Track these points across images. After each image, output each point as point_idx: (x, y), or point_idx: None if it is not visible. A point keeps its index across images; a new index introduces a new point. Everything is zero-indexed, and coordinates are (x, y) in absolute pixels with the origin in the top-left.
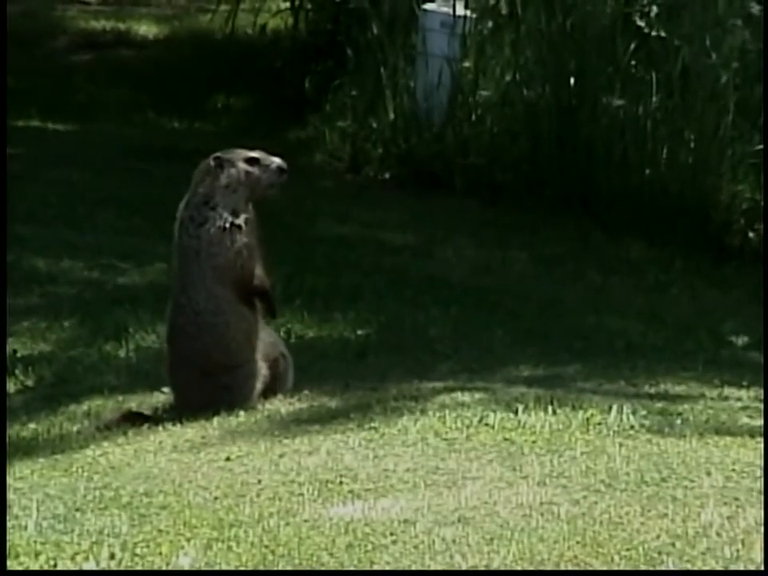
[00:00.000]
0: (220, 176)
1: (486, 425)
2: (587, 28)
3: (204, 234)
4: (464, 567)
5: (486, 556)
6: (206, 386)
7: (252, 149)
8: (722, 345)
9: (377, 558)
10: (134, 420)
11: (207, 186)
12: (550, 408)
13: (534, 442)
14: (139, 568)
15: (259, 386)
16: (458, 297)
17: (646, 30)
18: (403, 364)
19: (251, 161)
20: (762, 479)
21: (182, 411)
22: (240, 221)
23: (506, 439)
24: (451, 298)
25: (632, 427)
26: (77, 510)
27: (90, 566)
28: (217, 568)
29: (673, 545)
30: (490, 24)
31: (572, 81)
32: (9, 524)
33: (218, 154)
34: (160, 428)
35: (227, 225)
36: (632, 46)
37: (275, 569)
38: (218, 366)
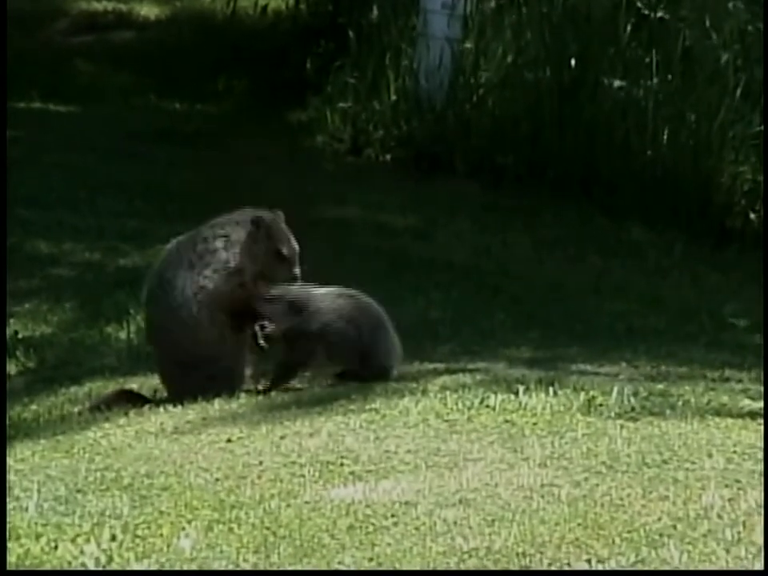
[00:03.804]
0: (254, 238)
1: (488, 406)
2: (588, 10)
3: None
4: (465, 549)
5: (488, 538)
6: (191, 376)
7: (275, 205)
8: (723, 327)
9: (378, 539)
10: (129, 400)
11: (235, 236)
12: (551, 390)
13: (535, 423)
14: (140, 549)
15: (248, 371)
16: (459, 280)
17: (647, 12)
18: (404, 346)
19: (279, 254)
20: (763, 461)
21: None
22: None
23: (507, 421)
24: (452, 280)
25: (633, 409)
26: (78, 491)
27: (91, 547)
28: (218, 549)
29: (674, 527)
30: (492, 5)
31: (573, 63)
32: (10, 506)
33: (263, 217)
34: (161, 409)
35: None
36: (632, 28)
37: (276, 550)
38: (201, 358)
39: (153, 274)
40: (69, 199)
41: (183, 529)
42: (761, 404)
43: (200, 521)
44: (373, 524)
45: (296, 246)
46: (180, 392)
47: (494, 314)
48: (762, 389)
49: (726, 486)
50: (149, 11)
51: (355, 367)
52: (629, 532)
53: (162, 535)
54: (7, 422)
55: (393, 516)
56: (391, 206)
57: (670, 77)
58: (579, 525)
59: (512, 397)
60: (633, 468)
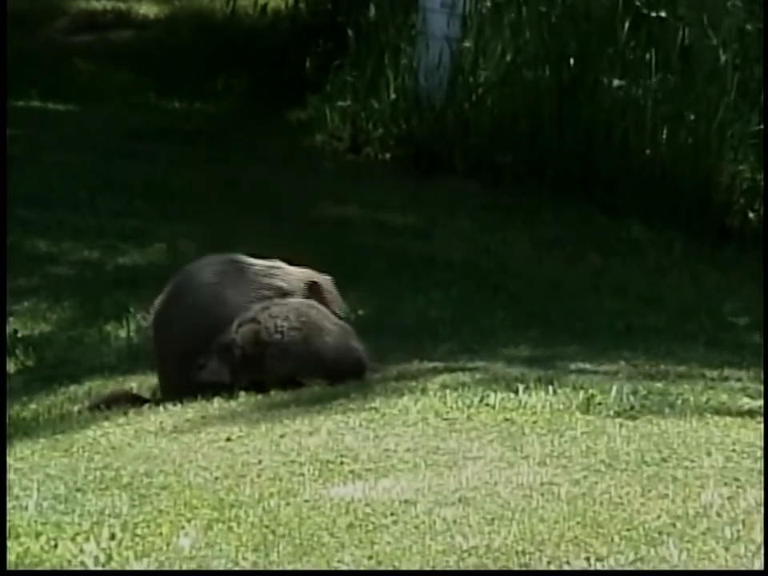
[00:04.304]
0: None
1: (487, 405)
2: (587, 9)
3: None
4: (465, 547)
5: (487, 536)
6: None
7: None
8: (722, 326)
9: (377, 538)
10: (129, 399)
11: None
12: (550, 388)
13: (534, 422)
14: (140, 548)
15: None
16: (459, 278)
17: (646, 11)
18: (404, 345)
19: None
20: (763, 459)
21: (171, 398)
22: None
23: (506, 419)
24: (452, 279)
25: (632, 407)
26: (77, 490)
27: (91, 546)
28: (217, 548)
29: (673, 525)
30: (491, 4)
31: (572, 62)
32: (9, 504)
33: (319, 283)
34: (161, 408)
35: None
36: (631, 27)
37: (275, 549)
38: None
39: (196, 283)
40: (68, 198)
41: (182, 527)
42: (760, 402)
43: (199, 519)
44: (372, 522)
45: (345, 307)
46: (175, 391)
47: (494, 313)
48: (761, 387)
49: (725, 484)
50: (148, 10)
51: (325, 360)
52: (628, 530)
53: (161, 534)
54: (6, 421)
55: (392, 514)
56: (391, 205)
57: (668, 76)
58: (578, 523)
59: (511, 395)
60: (632, 466)
